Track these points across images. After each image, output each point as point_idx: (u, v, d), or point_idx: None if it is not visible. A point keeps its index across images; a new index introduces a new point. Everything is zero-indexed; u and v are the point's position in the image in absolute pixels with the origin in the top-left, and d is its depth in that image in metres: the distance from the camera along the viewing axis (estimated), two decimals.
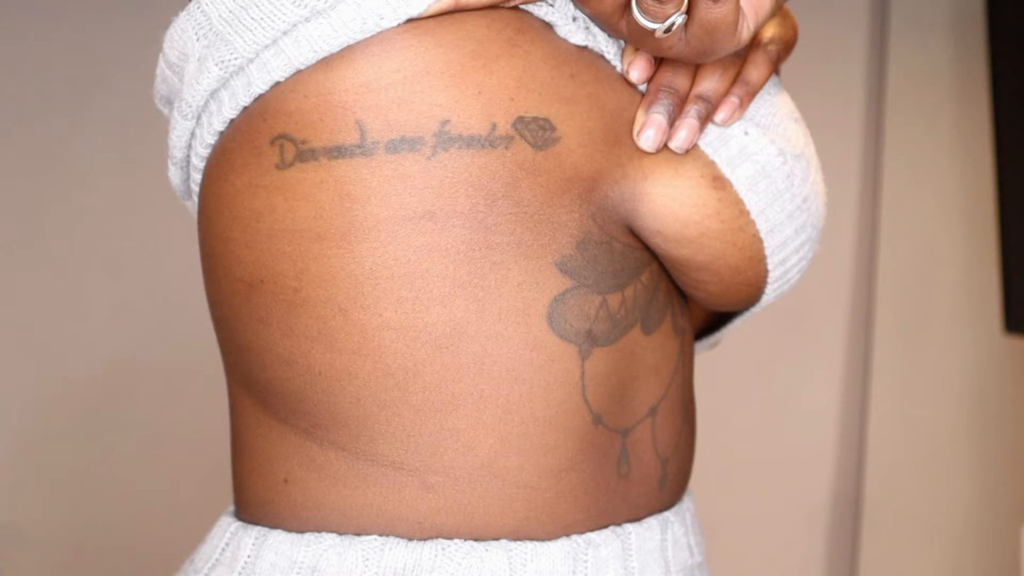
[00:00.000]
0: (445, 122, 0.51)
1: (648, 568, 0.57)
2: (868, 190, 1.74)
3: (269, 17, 0.51)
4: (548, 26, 0.54)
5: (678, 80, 0.56)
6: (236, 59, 0.52)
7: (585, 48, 0.55)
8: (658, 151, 0.56)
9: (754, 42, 0.59)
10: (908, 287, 1.72)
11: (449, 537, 0.54)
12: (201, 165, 0.57)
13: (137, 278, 1.62)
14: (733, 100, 0.57)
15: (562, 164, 0.53)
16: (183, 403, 1.60)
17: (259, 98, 0.53)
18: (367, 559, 0.53)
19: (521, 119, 0.52)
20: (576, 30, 0.54)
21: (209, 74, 0.53)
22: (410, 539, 0.54)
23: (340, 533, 0.54)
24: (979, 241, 1.65)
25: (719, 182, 0.57)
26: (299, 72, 0.52)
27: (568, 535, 0.55)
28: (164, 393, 1.62)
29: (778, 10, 0.56)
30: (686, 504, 0.62)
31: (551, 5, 0.54)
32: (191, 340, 1.39)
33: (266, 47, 0.52)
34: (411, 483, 0.53)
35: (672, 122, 0.56)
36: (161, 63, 0.58)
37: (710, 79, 0.57)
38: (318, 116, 0.51)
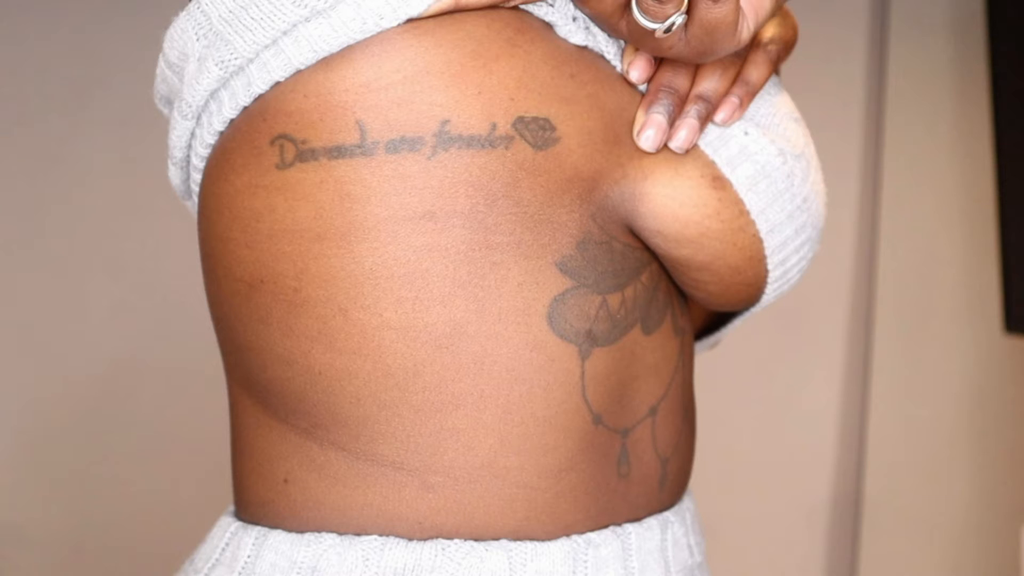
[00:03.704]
0: (445, 122, 0.51)
1: (648, 568, 0.57)
2: (868, 190, 1.74)
3: (269, 17, 0.51)
4: (548, 26, 0.54)
5: (678, 80, 0.56)
6: (236, 59, 0.52)
7: (585, 48, 0.55)
8: (658, 151, 0.56)
9: (754, 42, 0.59)
10: (908, 287, 1.72)
11: (449, 537, 0.54)
12: (201, 165, 0.57)
13: (137, 278, 1.62)
14: (733, 100, 0.57)
15: (562, 164, 0.53)
16: (183, 403, 1.60)
17: (259, 98, 0.53)
18: (367, 559, 0.53)
19: (521, 119, 0.52)
20: (576, 30, 0.54)
21: (209, 74, 0.53)
22: (410, 539, 0.54)
23: (340, 533, 0.54)
24: (979, 241, 1.65)
25: (719, 182, 0.57)
26: (299, 72, 0.52)
27: (568, 535, 0.55)
28: (164, 393, 1.62)
29: (778, 10, 0.56)
30: (686, 504, 0.62)
31: (551, 5, 0.54)
32: (191, 340, 1.39)
33: (266, 47, 0.52)
34: (411, 483, 0.53)
35: (672, 122, 0.56)
36: (161, 63, 0.58)
37: (710, 79, 0.57)
38: (318, 116, 0.51)
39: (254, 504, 0.58)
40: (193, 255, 0.65)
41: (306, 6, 0.51)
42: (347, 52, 0.51)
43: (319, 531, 0.55)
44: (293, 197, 0.52)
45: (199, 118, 0.55)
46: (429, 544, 0.53)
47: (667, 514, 0.60)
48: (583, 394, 0.54)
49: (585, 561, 0.55)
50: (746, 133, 0.58)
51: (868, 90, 1.74)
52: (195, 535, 0.67)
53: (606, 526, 0.57)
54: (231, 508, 0.61)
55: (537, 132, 0.52)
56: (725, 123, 0.57)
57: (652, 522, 0.58)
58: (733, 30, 0.52)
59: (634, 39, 0.53)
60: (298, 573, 0.54)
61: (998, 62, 1.52)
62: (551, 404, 0.54)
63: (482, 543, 0.53)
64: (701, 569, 0.62)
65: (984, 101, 1.60)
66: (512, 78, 0.52)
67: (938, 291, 1.70)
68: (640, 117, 0.56)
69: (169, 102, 0.60)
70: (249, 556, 0.56)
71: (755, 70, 0.59)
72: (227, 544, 0.57)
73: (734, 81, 0.58)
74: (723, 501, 1.61)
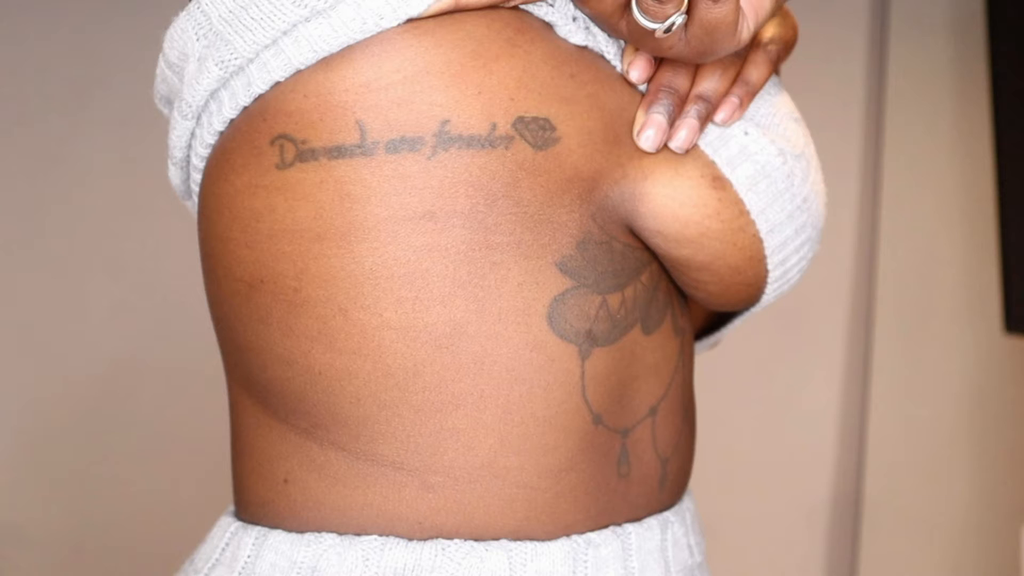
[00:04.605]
0: (445, 122, 0.51)
1: (648, 568, 0.57)
2: (868, 190, 1.74)
3: (269, 17, 0.51)
4: (548, 26, 0.54)
5: (678, 80, 0.56)
6: (236, 59, 0.52)
7: (585, 48, 0.55)
8: (658, 151, 0.56)
9: (754, 42, 0.59)
10: (908, 287, 1.72)
11: (449, 537, 0.54)
12: (201, 165, 0.57)
13: (137, 278, 1.62)
14: (733, 100, 0.57)
15: (562, 164, 0.53)
16: (183, 403, 1.60)
17: (259, 98, 0.53)
18: (367, 559, 0.53)
19: (521, 119, 0.52)
20: (576, 30, 0.54)
21: (209, 74, 0.53)
22: (410, 539, 0.54)
23: (340, 533, 0.54)
24: (979, 241, 1.65)
25: (719, 182, 0.57)
26: (299, 72, 0.52)
27: (568, 535, 0.55)
28: (164, 393, 1.62)
29: (778, 10, 0.56)
30: (686, 504, 0.62)
31: (551, 5, 0.54)
32: (191, 340, 1.39)
33: (266, 47, 0.52)
34: (411, 483, 0.53)
35: (672, 122, 0.56)
36: (161, 63, 0.58)
37: (710, 79, 0.57)
38: (318, 116, 0.51)
39: (254, 504, 0.58)
40: (193, 255, 0.65)
41: (306, 6, 0.51)
42: (347, 52, 0.51)
43: (319, 531, 0.55)
44: (293, 197, 0.52)
45: (199, 118, 0.55)
46: (429, 544, 0.53)
47: (667, 514, 0.60)
48: (583, 394, 0.54)
49: (585, 561, 0.55)
50: (746, 133, 0.58)
51: (868, 90, 1.74)
52: (195, 535, 0.67)
53: (606, 526, 0.57)
54: (231, 508, 0.61)
55: (537, 132, 0.52)
56: (725, 123, 0.57)
57: (652, 522, 0.58)
58: (733, 30, 0.52)
59: (634, 39, 0.53)
60: (298, 573, 0.54)
61: (998, 62, 1.52)
62: (551, 404, 0.54)
63: (482, 543, 0.54)
64: (701, 569, 0.62)
65: (984, 101, 1.60)
66: (512, 78, 0.52)
67: (938, 291, 1.70)
68: (640, 117, 0.56)
69: (169, 102, 0.60)
70: (249, 556, 0.56)
71: (755, 70, 0.59)
72: (227, 544, 0.57)
73: (734, 81, 0.58)
74: (723, 501, 1.61)
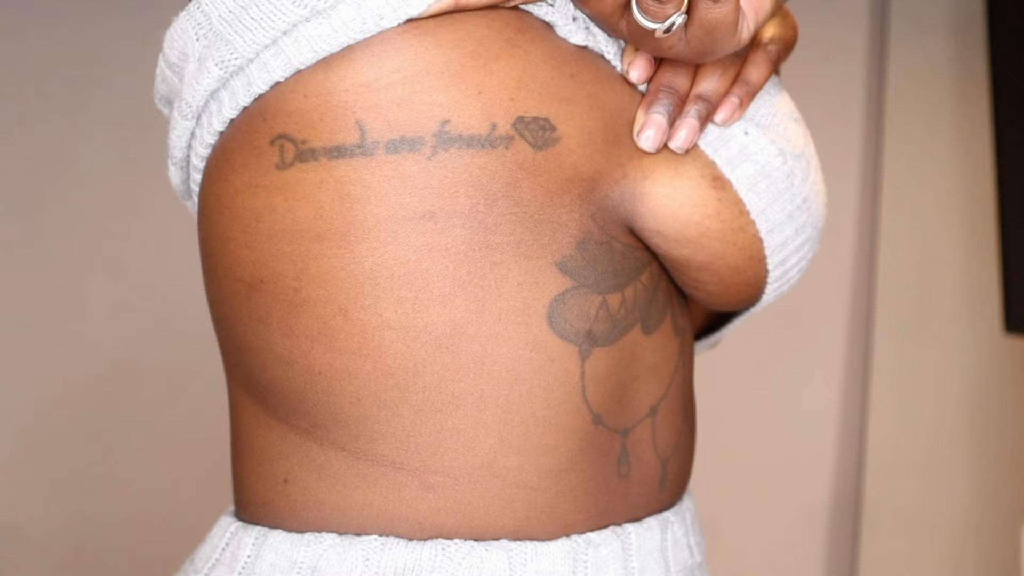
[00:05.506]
0: (445, 122, 0.51)
1: (648, 568, 0.57)
2: (868, 190, 1.74)
3: (269, 17, 0.51)
4: (548, 26, 0.54)
5: (678, 80, 0.56)
6: (236, 59, 0.52)
7: (585, 48, 0.55)
8: (658, 151, 0.56)
9: (754, 42, 0.59)
10: (908, 287, 1.72)
11: (449, 537, 0.54)
12: (201, 165, 0.57)
13: (137, 278, 1.62)
14: (733, 100, 0.57)
15: (562, 164, 0.53)
16: (183, 403, 1.60)
17: (259, 98, 0.53)
18: (367, 559, 0.53)
19: (521, 119, 0.52)
20: (576, 30, 0.54)
21: (209, 74, 0.53)
22: (410, 539, 0.54)
23: (340, 533, 0.54)
24: (979, 241, 1.65)
25: (719, 182, 0.57)
26: (299, 72, 0.52)
27: (568, 535, 0.55)
28: (164, 393, 1.62)
29: (778, 10, 0.56)
30: (686, 504, 0.62)
31: (551, 5, 0.54)
32: (191, 340, 1.39)
33: (266, 47, 0.52)
34: (411, 483, 0.53)
35: (672, 122, 0.56)
36: (161, 63, 0.58)
37: (710, 79, 0.57)
38: (318, 116, 0.51)
39: (254, 504, 0.58)
40: (193, 255, 0.65)
41: (306, 6, 0.51)
42: (347, 52, 0.51)
43: (319, 531, 0.55)
44: (293, 197, 0.52)
45: (199, 118, 0.55)
46: (429, 544, 0.53)
47: (667, 514, 0.60)
48: (583, 394, 0.54)
49: (585, 561, 0.55)
50: (746, 133, 0.58)
51: (868, 90, 1.74)
52: (195, 535, 0.67)
53: (606, 526, 0.57)
54: (231, 508, 0.61)
55: (537, 132, 0.52)
56: (725, 123, 0.57)
57: (652, 522, 0.58)
58: (733, 30, 0.52)
59: (634, 39, 0.53)
60: (298, 573, 0.54)
61: (998, 62, 1.52)
62: (551, 404, 0.54)
63: (482, 543, 0.54)
64: (701, 569, 0.62)
65: (984, 101, 1.60)
66: (512, 78, 0.52)
67: (938, 291, 1.70)
68: (640, 117, 0.56)
69: (169, 102, 0.60)
70: (249, 556, 0.56)
71: (755, 70, 0.59)
72: (227, 544, 0.57)
73: (734, 81, 0.58)
74: (723, 501, 1.61)
